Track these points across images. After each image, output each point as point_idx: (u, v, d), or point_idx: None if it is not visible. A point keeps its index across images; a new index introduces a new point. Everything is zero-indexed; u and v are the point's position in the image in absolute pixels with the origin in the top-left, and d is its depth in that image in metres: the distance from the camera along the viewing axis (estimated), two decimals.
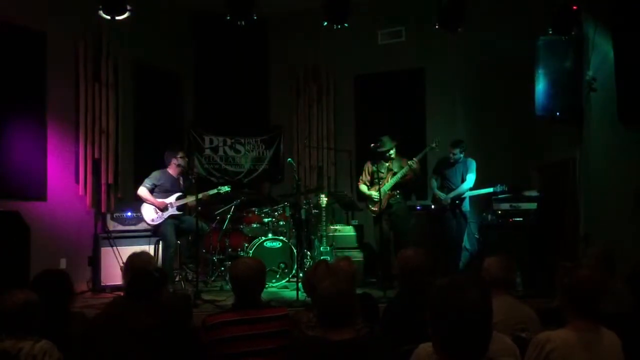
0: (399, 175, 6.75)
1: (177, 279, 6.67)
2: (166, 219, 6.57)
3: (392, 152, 6.83)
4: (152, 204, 6.56)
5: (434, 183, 7.11)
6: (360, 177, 7.11)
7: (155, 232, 6.67)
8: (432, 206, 7.19)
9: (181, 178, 6.85)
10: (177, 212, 6.63)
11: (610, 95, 5.59)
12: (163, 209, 6.56)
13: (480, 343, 1.75)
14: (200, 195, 6.43)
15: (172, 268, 6.55)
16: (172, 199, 6.63)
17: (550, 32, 6.11)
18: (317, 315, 2.80)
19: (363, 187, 7.02)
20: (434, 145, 6.90)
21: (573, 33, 6.02)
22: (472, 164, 6.85)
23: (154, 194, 6.59)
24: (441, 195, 6.92)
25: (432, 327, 1.79)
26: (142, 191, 6.57)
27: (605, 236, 5.54)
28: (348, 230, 7.36)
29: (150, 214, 6.57)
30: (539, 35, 6.26)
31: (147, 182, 6.61)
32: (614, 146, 5.75)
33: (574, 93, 6.12)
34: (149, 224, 6.62)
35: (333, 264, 3.94)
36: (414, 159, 6.71)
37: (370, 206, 6.90)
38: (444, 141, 6.96)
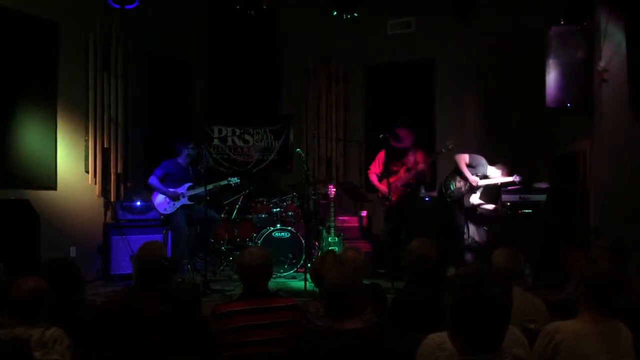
0: (412, 173, 6.67)
1: (186, 268, 6.69)
2: (178, 209, 6.59)
3: (407, 145, 6.72)
4: (165, 193, 6.58)
5: (451, 184, 6.85)
6: (372, 166, 6.92)
7: (166, 222, 6.69)
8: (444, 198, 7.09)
9: (190, 168, 6.87)
10: (188, 202, 6.65)
11: (622, 86, 5.54)
12: (175, 198, 6.58)
13: (496, 336, 1.77)
14: (210, 186, 6.45)
15: (182, 258, 6.58)
16: (182, 188, 6.65)
17: (562, 22, 6.06)
18: (325, 305, 2.80)
19: (374, 179, 6.87)
20: (450, 146, 6.72)
21: (585, 23, 5.96)
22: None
23: (164, 183, 6.61)
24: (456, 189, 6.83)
25: (450, 314, 1.80)
26: (153, 180, 6.59)
27: (615, 228, 5.50)
28: (356, 221, 7.35)
29: (162, 203, 6.60)
30: (550, 26, 6.20)
31: (158, 172, 6.63)
32: (625, 137, 5.70)
33: (586, 84, 6.06)
34: (161, 214, 6.64)
35: (341, 255, 3.94)
36: (423, 164, 6.62)
37: (382, 200, 6.83)
38: (452, 134, 6.89)
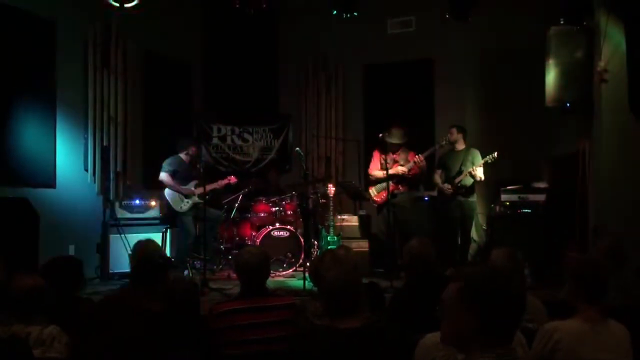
0: (404, 169, 6.69)
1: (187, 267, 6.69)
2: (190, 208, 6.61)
3: (397, 141, 6.76)
4: (178, 190, 6.56)
5: (437, 178, 6.90)
6: (372, 166, 6.99)
7: (170, 220, 6.68)
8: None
9: (191, 166, 6.88)
10: (199, 201, 6.60)
11: (621, 86, 5.54)
12: (190, 195, 6.58)
13: (515, 329, 1.83)
14: (215, 185, 6.52)
15: (187, 257, 6.60)
16: (191, 185, 6.65)
17: (562, 22, 6.06)
18: (325, 304, 2.80)
19: (378, 173, 6.87)
20: (443, 143, 6.84)
21: (585, 23, 5.96)
22: (478, 156, 6.65)
23: (174, 180, 6.60)
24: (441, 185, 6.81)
25: (472, 311, 1.80)
26: (165, 177, 6.56)
27: (615, 228, 5.49)
28: (355, 220, 7.35)
29: (177, 201, 6.58)
30: (550, 25, 6.20)
31: (168, 168, 6.59)
32: (624, 137, 5.70)
33: (585, 84, 6.06)
34: (176, 211, 6.61)
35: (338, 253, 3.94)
36: (419, 155, 6.65)
37: (372, 196, 6.88)
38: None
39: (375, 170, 6.91)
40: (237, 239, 7.47)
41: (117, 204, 7.05)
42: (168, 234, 6.81)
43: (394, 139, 6.73)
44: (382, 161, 6.72)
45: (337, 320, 2.62)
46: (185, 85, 8.58)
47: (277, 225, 7.10)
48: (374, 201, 6.88)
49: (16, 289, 2.83)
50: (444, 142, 6.83)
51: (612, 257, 3.68)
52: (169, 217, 6.78)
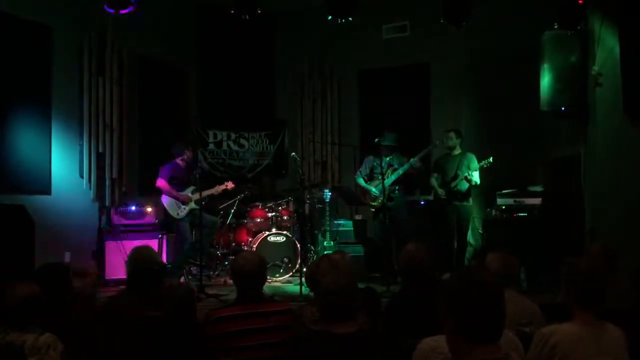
0: (399, 171, 6.73)
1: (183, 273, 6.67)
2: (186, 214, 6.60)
3: (390, 143, 6.80)
4: (177, 197, 6.55)
5: (434, 181, 6.94)
6: (359, 170, 7.08)
7: (167, 227, 6.66)
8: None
9: (187, 171, 6.87)
10: (196, 207, 6.59)
11: (616, 90, 5.56)
12: (186, 202, 6.57)
13: (500, 325, 1.83)
14: (213, 191, 6.52)
15: (183, 263, 6.58)
16: (188, 191, 6.64)
17: (556, 27, 6.09)
18: (320, 309, 2.80)
19: (360, 180, 6.99)
20: (437, 143, 6.92)
21: (579, 27, 5.99)
22: (474, 160, 6.70)
23: (171, 186, 6.59)
24: (438, 190, 6.84)
25: (453, 317, 1.82)
26: (163, 183, 6.53)
27: (610, 232, 5.51)
28: (351, 225, 7.36)
29: (173, 208, 6.56)
30: (544, 30, 6.23)
31: (165, 174, 6.57)
32: (619, 141, 5.72)
33: (580, 88, 6.09)
34: (173, 217, 6.61)
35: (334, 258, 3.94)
36: (415, 157, 6.68)
37: (370, 201, 6.90)
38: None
39: (360, 178, 6.99)
40: (233, 244, 7.46)
41: (112, 211, 7.04)
42: (165, 241, 6.79)
43: (387, 141, 6.76)
44: (375, 164, 6.74)
45: (333, 326, 2.62)
46: (180, 91, 8.58)
47: (274, 230, 7.10)
48: (371, 206, 6.88)
49: (12, 297, 2.82)
50: (437, 142, 6.90)
51: (604, 260, 3.69)
52: (164, 224, 6.77)
